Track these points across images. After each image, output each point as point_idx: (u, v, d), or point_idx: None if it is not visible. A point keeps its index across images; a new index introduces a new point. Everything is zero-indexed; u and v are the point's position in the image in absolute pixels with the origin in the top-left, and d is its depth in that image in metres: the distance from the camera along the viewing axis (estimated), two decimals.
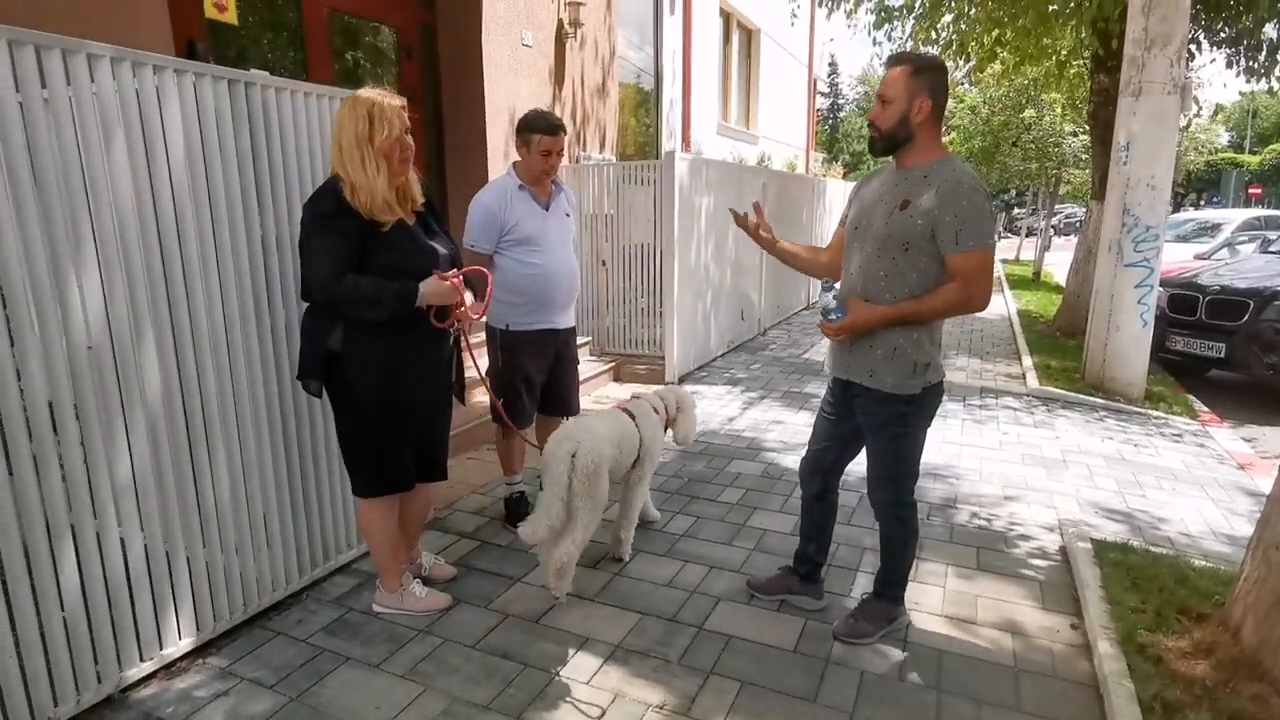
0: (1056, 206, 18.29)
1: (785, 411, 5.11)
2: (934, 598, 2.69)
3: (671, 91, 9.88)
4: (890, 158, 2.25)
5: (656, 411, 3.10)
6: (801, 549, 2.64)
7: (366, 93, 2.20)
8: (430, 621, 2.54)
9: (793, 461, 4.04)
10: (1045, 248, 15.37)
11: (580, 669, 2.30)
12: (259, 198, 2.41)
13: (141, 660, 2.20)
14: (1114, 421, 4.96)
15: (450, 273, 2.30)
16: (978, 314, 8.91)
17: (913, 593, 2.65)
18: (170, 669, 2.27)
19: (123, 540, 2.11)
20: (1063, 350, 7.02)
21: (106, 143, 1.97)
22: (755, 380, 6.05)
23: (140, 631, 2.18)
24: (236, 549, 2.44)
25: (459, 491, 3.67)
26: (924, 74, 2.10)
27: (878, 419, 2.28)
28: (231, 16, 4.29)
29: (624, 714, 2.10)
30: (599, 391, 5.71)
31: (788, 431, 4.64)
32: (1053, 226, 18.44)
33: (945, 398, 2.38)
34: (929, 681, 2.24)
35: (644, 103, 9.67)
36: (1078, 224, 14.89)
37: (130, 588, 2.14)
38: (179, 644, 2.30)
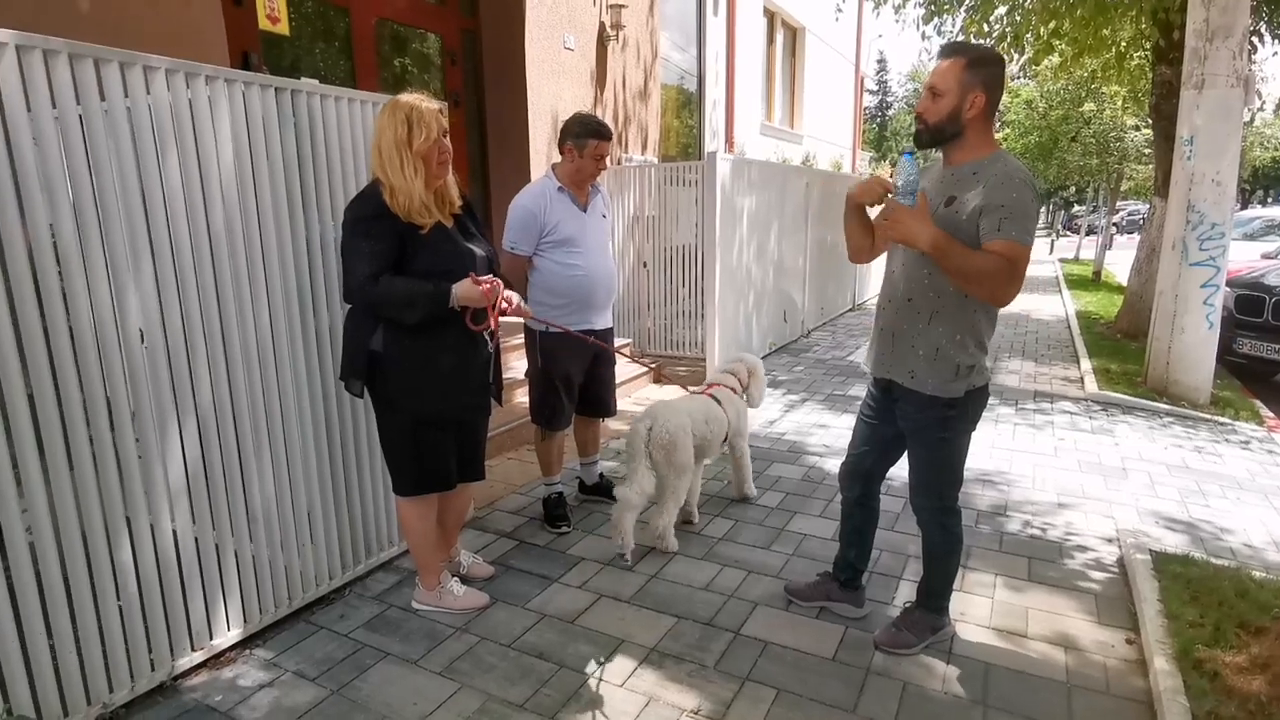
0: (1118, 204, 17.59)
1: (828, 415, 5.02)
2: (981, 609, 2.60)
3: (714, 92, 9.83)
4: (938, 153, 2.18)
5: (736, 391, 3.42)
6: (841, 555, 2.59)
7: (405, 98, 2.24)
8: (468, 620, 2.56)
9: (835, 465, 3.95)
10: (1106, 246, 14.77)
11: (615, 671, 2.29)
12: (304, 202, 2.47)
13: (192, 650, 2.28)
14: (1179, 427, 4.73)
15: (485, 277, 2.32)
16: (1031, 315, 8.55)
17: (959, 603, 2.57)
18: (219, 659, 2.34)
19: (175, 534, 2.19)
20: (1124, 353, 6.73)
21: (161, 151, 2.05)
22: (798, 383, 5.96)
23: (191, 622, 2.26)
24: (282, 544, 2.51)
25: (498, 491, 3.70)
26: (980, 67, 2.00)
27: (919, 422, 2.21)
28: (284, 28, 4.43)
29: (658, 718, 2.08)
30: (639, 393, 5.71)
31: (830, 435, 4.56)
32: (1114, 224, 17.75)
33: (997, 401, 2.31)
34: (975, 695, 2.16)
35: (687, 104, 9.64)
36: (1140, 221, 14.32)
37: (182, 580, 2.22)
38: (227, 635, 2.37)
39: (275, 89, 2.33)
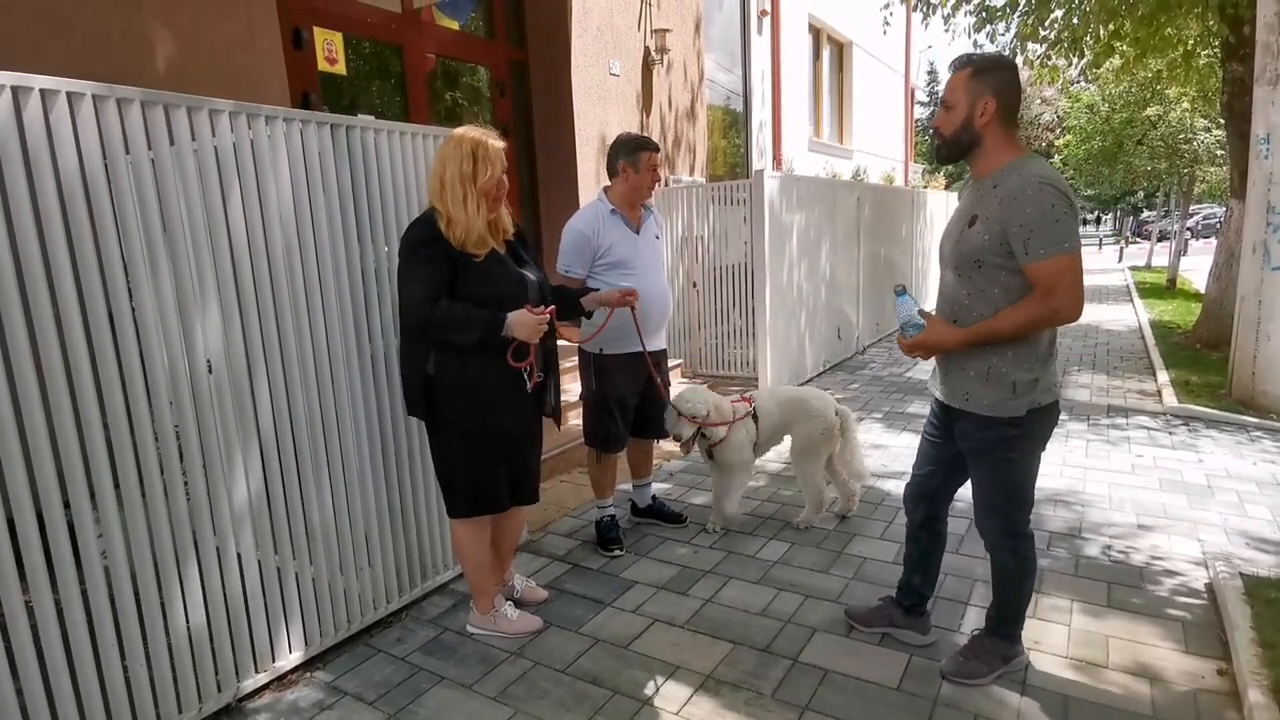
0: (1193, 207, 16.76)
1: (886, 434, 4.87)
2: (1058, 637, 2.46)
3: (761, 112, 9.82)
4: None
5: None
6: (906, 579, 2.48)
7: (473, 133, 2.28)
8: (522, 644, 2.55)
9: (894, 486, 3.84)
10: (1180, 252, 14.07)
11: (670, 698, 2.24)
12: (359, 233, 2.55)
13: (256, 671, 2.33)
14: (1269, 441, 4.42)
15: (540, 309, 2.34)
16: (1101, 326, 8.17)
17: (1033, 631, 2.43)
18: (281, 681, 2.39)
19: (239, 557, 2.25)
20: (1204, 364, 6.36)
21: (225, 188, 2.14)
22: (853, 401, 5.82)
23: (255, 644, 2.32)
24: (340, 567, 2.55)
25: (551, 514, 3.71)
26: (988, 74, 1.97)
27: (980, 444, 2.10)
28: (341, 68, 4.63)
29: None
30: None
31: (888, 455, 4.42)
32: (1188, 229, 16.92)
33: (1067, 417, 2.19)
34: None
35: (733, 124, 9.66)
36: (1217, 225, 13.61)
37: (246, 602, 2.28)
38: (289, 657, 2.42)
39: (331, 125, 2.42)
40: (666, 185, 6.66)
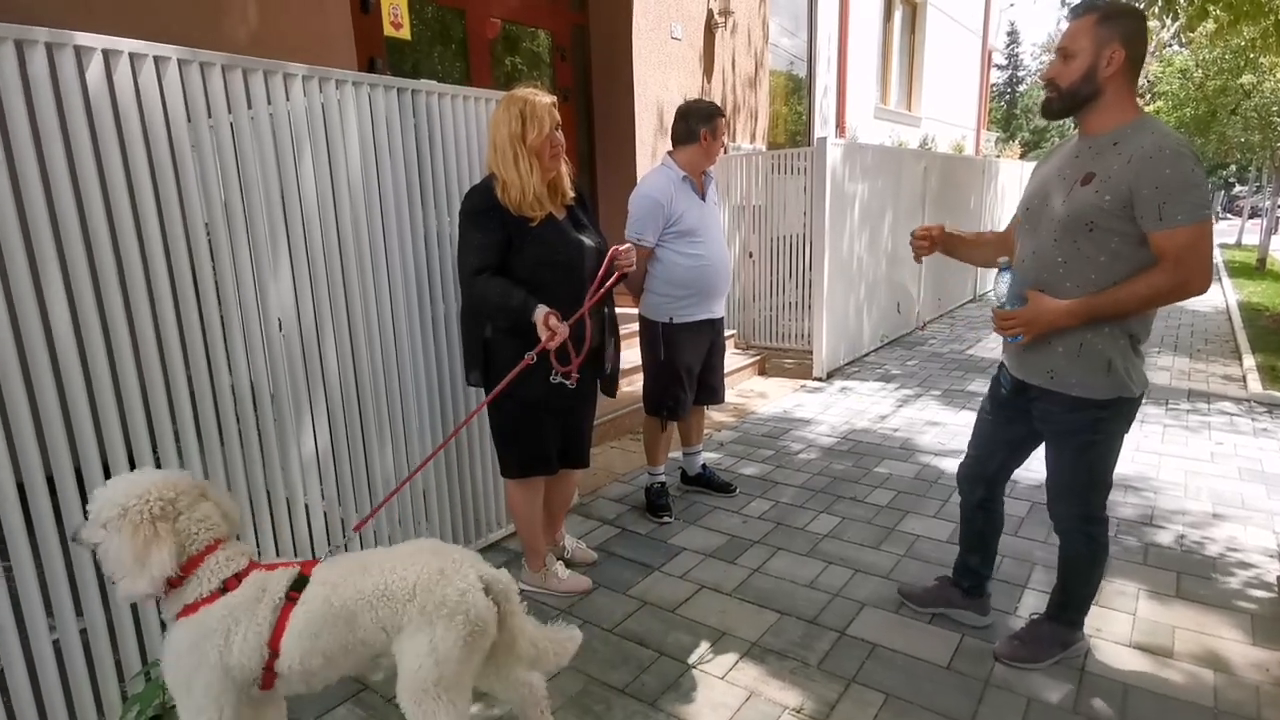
0: None
1: (944, 411, 4.75)
2: (1121, 625, 2.39)
3: (826, 77, 9.51)
4: (1073, 127, 1.99)
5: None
6: (962, 560, 2.43)
7: (519, 92, 2.29)
8: (571, 603, 2.62)
9: (951, 464, 3.75)
10: (1272, 231, 13.15)
11: (715, 663, 2.27)
12: (423, 196, 2.59)
13: None
14: None
15: (563, 325, 2.21)
16: (1185, 306, 7.74)
17: (1095, 618, 2.37)
18: None
19: (307, 508, 2.36)
20: None
21: (297, 151, 2.20)
22: (911, 377, 5.69)
23: None
24: (400, 520, 2.66)
25: (602, 479, 3.76)
26: (1116, 20, 1.80)
27: (1065, 426, 2.00)
28: (406, 33, 4.67)
29: (759, 713, 2.05)
30: (743, 385, 5.63)
31: (946, 433, 4.32)
32: None
33: (1144, 401, 2.07)
34: (1110, 717, 1.98)
35: (796, 90, 9.39)
36: None
37: (313, 550, 2.39)
38: None
39: (398, 89, 2.46)
40: (726, 153, 6.54)
